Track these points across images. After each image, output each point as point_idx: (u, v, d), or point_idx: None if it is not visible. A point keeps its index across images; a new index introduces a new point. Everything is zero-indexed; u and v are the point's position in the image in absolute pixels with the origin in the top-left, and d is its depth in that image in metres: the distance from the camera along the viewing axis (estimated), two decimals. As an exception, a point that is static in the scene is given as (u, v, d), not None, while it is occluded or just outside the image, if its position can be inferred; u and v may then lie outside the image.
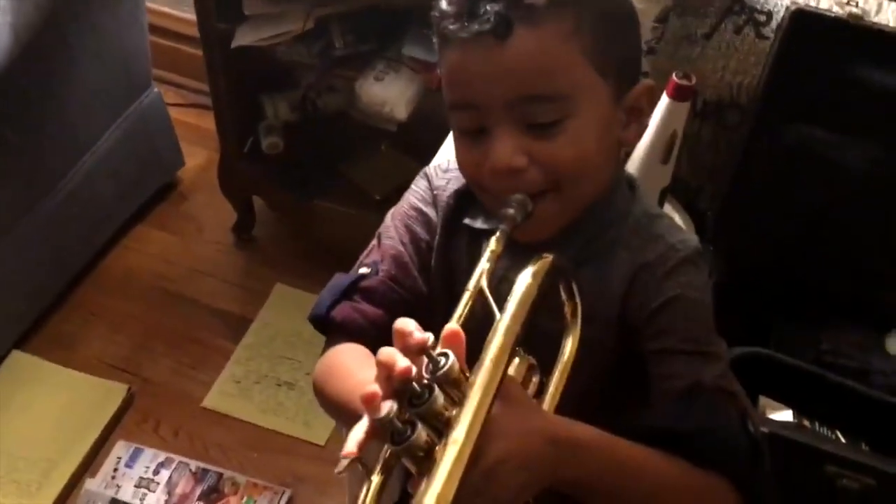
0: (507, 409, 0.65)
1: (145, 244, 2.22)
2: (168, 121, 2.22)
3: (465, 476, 0.59)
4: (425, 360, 0.65)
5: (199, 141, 2.34)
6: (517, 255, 0.79)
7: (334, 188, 1.95)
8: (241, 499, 1.73)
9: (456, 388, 0.64)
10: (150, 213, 2.27)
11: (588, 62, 0.77)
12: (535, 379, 0.77)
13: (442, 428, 0.62)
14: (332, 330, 0.91)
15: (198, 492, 1.75)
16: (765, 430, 1.08)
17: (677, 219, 1.40)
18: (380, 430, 0.63)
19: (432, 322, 0.91)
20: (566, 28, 0.76)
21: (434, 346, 0.65)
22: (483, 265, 0.75)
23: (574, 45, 0.76)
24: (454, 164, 0.93)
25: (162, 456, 1.80)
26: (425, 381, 0.64)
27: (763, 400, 1.21)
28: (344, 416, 0.82)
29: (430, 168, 0.98)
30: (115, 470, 1.77)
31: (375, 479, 0.64)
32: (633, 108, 0.84)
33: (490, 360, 0.65)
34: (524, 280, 0.72)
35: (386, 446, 0.63)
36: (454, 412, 0.63)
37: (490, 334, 0.67)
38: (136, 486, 1.75)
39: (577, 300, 0.80)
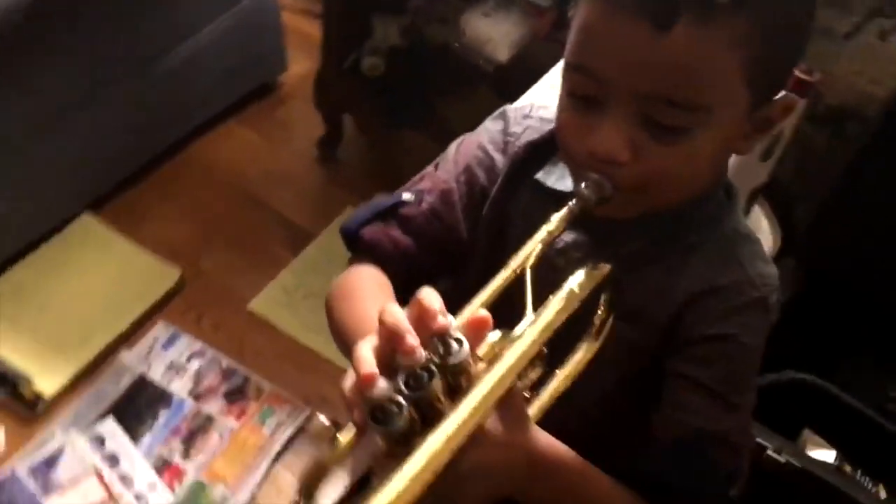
0: (499, 419, 0.60)
1: (233, 140, 2.22)
2: (278, 22, 2.20)
3: (436, 475, 0.54)
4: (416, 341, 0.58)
5: (305, 49, 2.31)
6: (585, 227, 0.72)
7: (425, 122, 1.90)
8: (262, 406, 1.73)
9: (458, 378, 0.58)
10: (245, 111, 2.27)
11: (743, 75, 0.67)
12: (538, 370, 0.70)
13: (430, 416, 0.57)
14: (358, 248, 0.87)
15: (223, 389, 1.75)
16: (798, 464, 0.98)
17: (763, 223, 1.30)
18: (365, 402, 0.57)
19: (463, 270, 0.86)
20: (736, 34, 0.64)
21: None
22: (533, 245, 0.68)
23: (736, 55, 0.65)
24: (536, 112, 0.87)
25: (197, 346, 1.81)
26: (430, 364, 0.57)
27: (807, 433, 1.11)
28: (342, 342, 0.78)
29: (511, 110, 0.89)
30: (151, 349, 1.80)
31: (341, 438, 0.59)
32: (764, 119, 0.73)
33: (505, 367, 0.59)
34: (570, 286, 0.66)
35: (368, 421, 0.57)
36: (447, 405, 0.57)
37: (515, 334, 0.62)
38: (166, 369, 1.77)
39: (611, 319, 0.73)
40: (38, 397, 1.68)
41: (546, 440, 0.66)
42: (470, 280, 0.64)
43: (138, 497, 1.58)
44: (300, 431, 1.70)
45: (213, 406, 1.72)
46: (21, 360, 1.73)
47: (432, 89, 1.91)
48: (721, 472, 0.75)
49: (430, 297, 0.60)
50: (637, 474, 0.72)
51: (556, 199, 0.79)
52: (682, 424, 0.74)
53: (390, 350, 0.59)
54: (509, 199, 0.85)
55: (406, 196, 0.86)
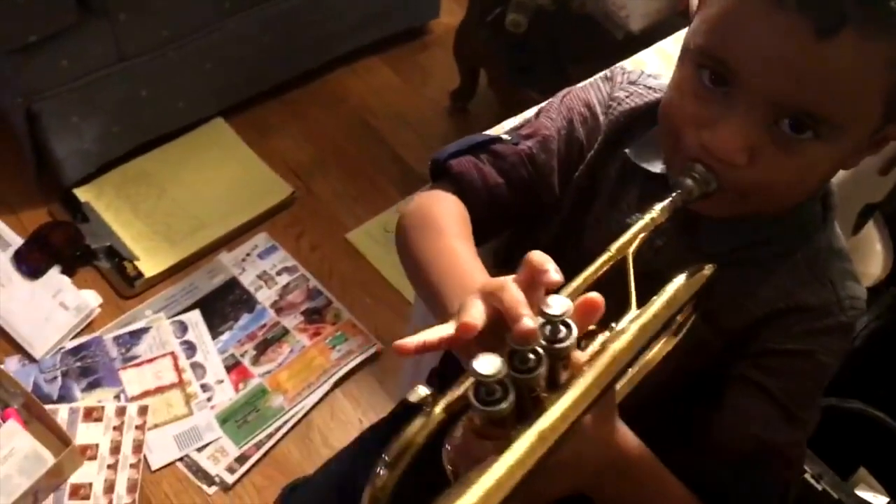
0: (593, 414, 0.57)
1: (371, 75, 2.26)
2: (437, -32, 2.21)
3: (534, 468, 0.51)
4: (541, 319, 0.54)
5: (460, 1, 2.32)
6: (674, 221, 0.68)
7: (555, 86, 1.86)
8: (336, 331, 1.77)
9: (559, 364, 0.55)
10: (389, 49, 2.30)
11: (885, 99, 0.62)
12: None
13: (528, 403, 0.54)
14: (443, 178, 0.83)
15: (304, 307, 1.80)
16: (835, 496, 0.91)
17: (877, 245, 1.20)
18: (476, 378, 0.52)
19: (544, 228, 0.84)
20: (893, 54, 0.60)
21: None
22: (635, 231, 0.64)
23: (887, 77, 0.61)
24: (644, 80, 0.83)
25: (291, 262, 1.87)
26: (537, 347, 0.54)
27: (862, 472, 1.02)
28: (419, 275, 0.75)
29: (619, 73, 0.85)
30: (248, 255, 1.87)
31: (437, 413, 0.54)
32: (882, 138, 0.68)
33: (611, 358, 0.56)
34: (675, 286, 0.63)
35: (469, 394, 0.53)
36: (549, 395, 0.54)
37: (620, 328, 0.59)
38: (257, 276, 1.84)
39: (696, 317, 0.69)
40: (138, 275, 1.79)
41: (631, 437, 0.64)
42: (541, 242, 0.61)
43: (204, 387, 1.66)
44: (366, 363, 1.73)
45: (291, 321, 1.78)
46: (131, 240, 1.84)
47: (568, 54, 1.86)
48: (776, 484, 0.72)
49: (542, 255, 0.57)
50: (694, 479, 0.69)
51: (644, 178, 0.77)
52: (741, 429, 0.71)
53: (491, 318, 0.55)
54: (601, 168, 0.81)
55: (503, 136, 0.84)
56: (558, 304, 0.53)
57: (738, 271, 0.72)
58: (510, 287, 0.55)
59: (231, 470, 1.57)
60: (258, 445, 1.60)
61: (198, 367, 1.69)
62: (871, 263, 1.18)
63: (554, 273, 0.55)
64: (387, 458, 0.52)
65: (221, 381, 1.68)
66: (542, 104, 0.86)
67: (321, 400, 1.68)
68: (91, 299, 1.74)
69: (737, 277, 0.72)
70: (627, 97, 0.81)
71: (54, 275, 1.76)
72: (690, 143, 0.67)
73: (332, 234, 1.94)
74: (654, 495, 0.67)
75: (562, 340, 0.53)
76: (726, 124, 0.63)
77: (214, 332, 1.74)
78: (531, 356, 0.53)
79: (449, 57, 2.17)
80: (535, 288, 0.56)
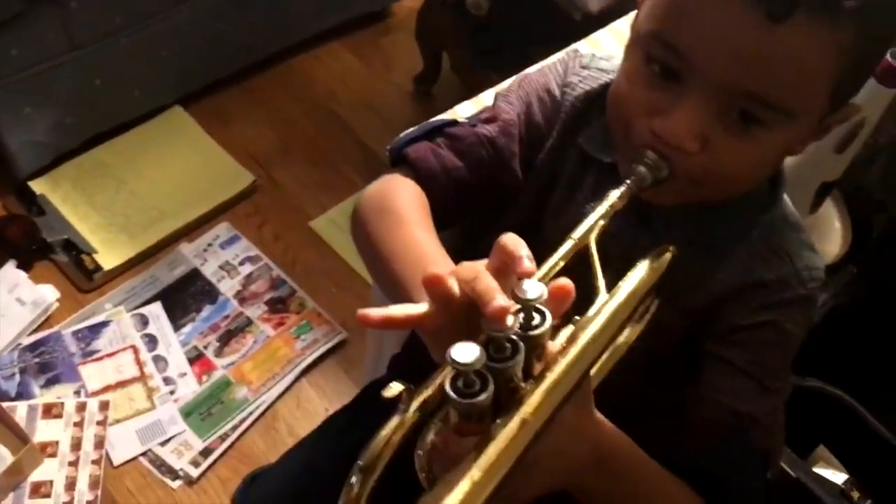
0: (571, 404, 0.55)
1: (333, 61, 2.23)
2: (398, -50, 2.18)
3: (516, 462, 0.49)
4: (515, 307, 0.52)
5: (422, -17, 2.29)
6: (626, 212, 0.67)
7: (518, 68, 1.84)
8: (301, 321, 1.75)
9: (534, 357, 0.53)
10: (351, 34, 2.27)
11: (831, 87, 0.63)
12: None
13: (505, 395, 0.52)
14: (401, 165, 0.81)
15: (267, 297, 1.78)
16: (793, 475, 0.91)
17: (835, 223, 1.20)
18: (454, 368, 0.50)
19: (510, 215, 0.82)
20: (844, 42, 0.60)
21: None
22: (595, 219, 0.63)
23: (836, 64, 0.61)
24: (596, 63, 0.81)
25: (253, 251, 1.84)
26: (512, 336, 0.52)
27: (821, 450, 1.02)
28: (381, 266, 0.73)
29: (571, 55, 0.83)
30: (209, 245, 1.84)
31: (413, 411, 0.52)
32: (826, 126, 0.69)
33: (586, 343, 0.55)
34: (642, 271, 0.64)
35: (447, 390, 0.50)
36: (525, 384, 0.52)
37: (592, 313, 0.58)
38: (219, 267, 1.81)
39: (656, 301, 0.69)
40: (96, 268, 1.75)
41: (610, 427, 0.63)
42: (507, 230, 0.59)
43: (166, 380, 1.63)
44: (332, 352, 1.71)
45: (255, 311, 1.75)
46: (89, 232, 1.81)
47: (529, 36, 1.84)
48: (756, 453, 0.72)
49: (515, 239, 0.55)
50: (675, 460, 0.68)
51: (599, 167, 0.77)
52: (714, 405, 0.72)
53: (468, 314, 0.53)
54: (560, 156, 0.80)
55: (461, 119, 0.82)
56: (533, 289, 0.52)
57: (695, 253, 0.72)
58: (482, 274, 0.53)
59: (195, 463, 1.54)
60: (223, 438, 1.58)
61: (160, 360, 1.66)
62: (830, 241, 1.18)
63: (527, 262, 0.54)
64: (361, 462, 0.50)
65: (184, 374, 1.65)
66: (499, 89, 0.85)
67: (286, 390, 1.66)
68: (48, 294, 1.71)
69: (694, 259, 0.72)
70: (580, 81, 0.80)
71: (10, 270, 1.72)
72: (641, 130, 0.66)
73: (295, 222, 1.91)
74: (637, 485, 0.66)
75: (536, 327, 0.52)
76: (678, 112, 0.63)
77: (176, 325, 1.72)
78: (507, 344, 0.51)
79: (411, 41, 2.14)
80: (507, 274, 0.54)
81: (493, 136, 0.79)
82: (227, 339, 1.71)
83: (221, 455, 1.56)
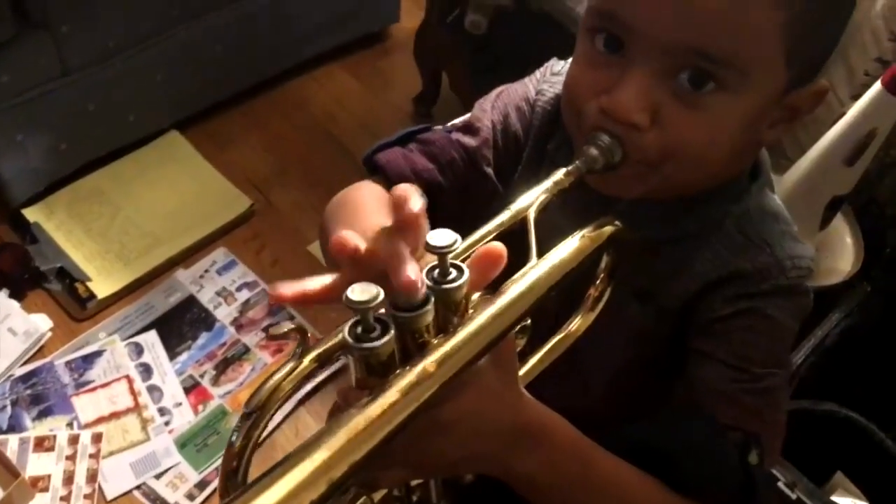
0: (492, 367, 0.53)
1: (331, 83, 2.21)
2: (395, -29, 2.17)
3: (415, 413, 0.47)
4: (432, 262, 0.50)
5: (421, 4, 2.27)
6: (595, 207, 0.64)
7: (517, 88, 1.81)
8: (299, 346, 1.70)
9: (451, 314, 0.51)
10: (349, 56, 2.25)
11: (782, 43, 0.60)
12: (521, 341, 0.64)
13: (413, 350, 0.50)
14: (375, 174, 0.80)
15: (265, 323, 1.74)
16: (810, 505, 0.86)
17: (847, 239, 1.15)
18: (348, 307, 0.48)
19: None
20: None
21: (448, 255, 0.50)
22: (538, 193, 0.61)
23: (779, 16, 0.59)
24: (567, 68, 0.78)
25: (251, 277, 1.80)
26: (424, 287, 0.50)
27: (839, 477, 0.97)
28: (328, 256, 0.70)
29: (546, 66, 0.83)
30: (206, 272, 1.81)
31: (305, 362, 0.52)
32: (792, 106, 0.66)
33: (507, 303, 0.52)
34: (578, 237, 0.60)
35: (342, 334, 0.49)
36: (436, 340, 0.50)
37: (518, 275, 0.55)
38: (215, 293, 1.77)
39: (609, 286, 0.66)
40: (90, 297, 1.72)
41: (538, 407, 0.58)
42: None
43: (161, 411, 1.59)
44: (332, 379, 1.67)
45: (252, 338, 1.71)
46: (83, 260, 1.77)
47: (530, 56, 1.82)
48: (722, 432, 0.65)
49: (404, 187, 0.51)
50: (635, 444, 0.64)
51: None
52: (694, 396, 0.67)
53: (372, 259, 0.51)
54: (536, 165, 0.78)
55: (436, 126, 0.81)
56: (442, 238, 0.49)
57: (669, 249, 0.70)
58: (389, 238, 0.50)
59: (191, 497, 1.50)
60: (219, 470, 1.53)
61: (154, 390, 1.62)
62: (842, 258, 1.14)
63: (415, 200, 0.50)
64: (246, 409, 0.48)
65: (179, 404, 1.61)
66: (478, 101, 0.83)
67: (285, 419, 1.61)
68: (41, 323, 1.67)
69: (669, 255, 0.70)
70: (551, 87, 0.79)
71: (2, 299, 1.68)
72: (590, 112, 0.64)
73: (293, 246, 1.87)
74: (581, 473, 0.60)
75: (451, 281, 0.49)
76: (624, 84, 0.61)
77: (172, 353, 1.68)
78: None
79: (410, 62, 2.12)
80: (412, 228, 0.50)
81: (465, 141, 0.78)
82: (223, 367, 1.67)
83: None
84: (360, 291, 0.47)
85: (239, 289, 1.79)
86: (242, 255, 1.84)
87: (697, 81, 0.60)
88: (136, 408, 1.59)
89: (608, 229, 0.62)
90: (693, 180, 0.67)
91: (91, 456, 1.51)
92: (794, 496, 0.87)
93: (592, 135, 0.63)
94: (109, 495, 1.49)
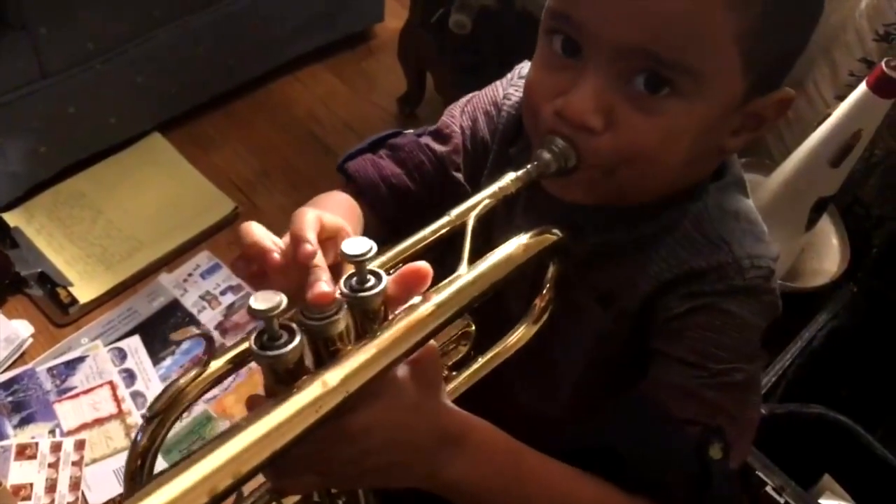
0: (408, 376, 0.53)
1: (315, 83, 2.19)
2: (379, -29, 2.15)
3: (316, 425, 0.47)
4: (351, 268, 0.51)
5: (405, 4, 2.26)
6: (551, 214, 0.65)
7: (501, 89, 1.80)
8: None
9: (369, 321, 0.51)
10: (333, 56, 2.24)
11: (737, 47, 0.59)
12: (464, 348, 0.65)
13: (325, 357, 0.50)
14: (347, 182, 0.80)
15: (249, 327, 1.72)
16: (797, 509, 0.86)
17: (833, 239, 1.15)
18: (251, 315, 0.49)
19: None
20: None
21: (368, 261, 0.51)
22: (480, 198, 0.61)
23: (734, 19, 0.58)
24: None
25: (235, 280, 1.79)
26: (338, 294, 0.50)
27: (826, 479, 0.97)
28: None
29: (515, 68, 0.83)
30: (190, 275, 1.79)
31: (211, 368, 0.52)
32: (755, 114, 0.65)
33: (423, 313, 0.52)
34: (513, 245, 0.60)
35: (250, 342, 0.50)
36: (348, 347, 0.50)
37: (443, 284, 0.55)
38: (199, 297, 1.76)
39: (551, 295, 0.66)
40: (72, 302, 1.70)
41: (460, 415, 0.58)
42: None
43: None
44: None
45: (237, 342, 1.70)
46: (65, 265, 1.75)
47: (514, 56, 1.81)
48: (681, 426, 0.63)
49: (301, 215, 0.54)
50: (582, 447, 0.63)
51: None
52: (651, 395, 0.65)
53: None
54: (501, 170, 0.76)
55: (407, 132, 0.81)
56: (356, 246, 0.50)
57: (629, 252, 0.69)
58: (302, 243, 0.53)
59: None
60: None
61: (138, 396, 1.60)
62: (828, 259, 1.14)
63: (308, 244, 0.53)
64: (148, 413, 0.49)
65: (164, 410, 1.59)
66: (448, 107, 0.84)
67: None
68: (22, 329, 1.65)
69: (629, 258, 0.69)
70: (517, 91, 0.79)
71: (-18, 305, 1.66)
72: (546, 115, 0.64)
73: (278, 249, 1.86)
74: (510, 476, 0.59)
75: (367, 290, 0.50)
76: (578, 87, 0.61)
77: (155, 358, 1.66)
78: (328, 306, 0.50)
79: (395, 62, 2.11)
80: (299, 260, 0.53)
81: (434, 146, 0.79)
82: (208, 371, 1.65)
83: (203, 494, 1.50)
84: (262, 300, 0.47)
85: (223, 292, 1.77)
86: (226, 259, 1.82)
87: (652, 85, 0.59)
88: (120, 414, 1.58)
89: (547, 238, 0.62)
90: (650, 186, 0.66)
91: (74, 463, 1.49)
92: (782, 500, 0.86)
93: (547, 138, 0.63)
94: (93, 503, 1.47)
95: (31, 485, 1.46)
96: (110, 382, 1.61)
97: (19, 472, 1.48)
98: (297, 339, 0.48)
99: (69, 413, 1.57)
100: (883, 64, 0.96)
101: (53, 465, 1.49)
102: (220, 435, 0.46)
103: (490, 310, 0.61)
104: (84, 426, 1.55)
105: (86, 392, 1.59)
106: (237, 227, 1.87)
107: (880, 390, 1.07)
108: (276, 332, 0.48)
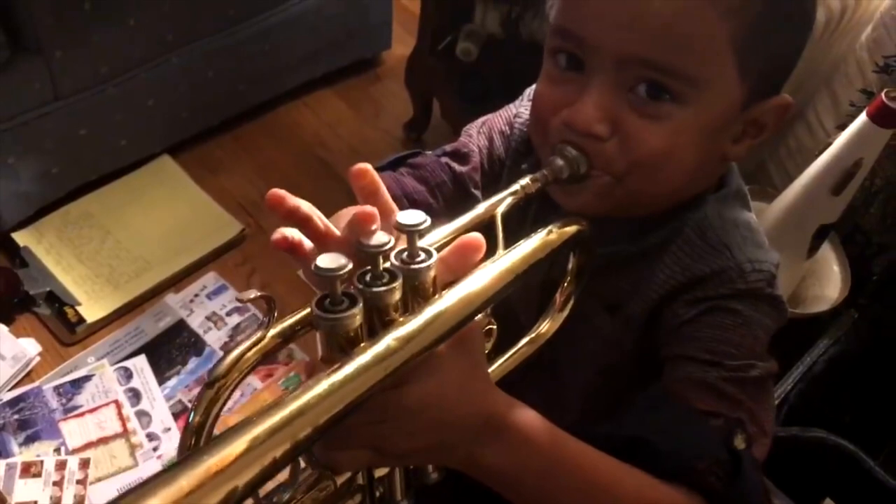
0: (457, 354, 0.53)
1: (322, 108, 2.22)
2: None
3: (372, 391, 0.47)
4: (405, 241, 0.52)
5: (412, 31, 2.29)
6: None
7: (507, 116, 1.83)
8: (289, 372, 1.70)
9: (418, 296, 0.53)
10: (340, 82, 2.27)
11: (733, 54, 0.62)
12: (488, 345, 0.65)
13: (378, 328, 0.50)
14: None
15: (255, 347, 1.73)
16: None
17: (834, 266, 1.16)
18: (315, 279, 0.50)
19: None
20: (729, 2, 0.61)
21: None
22: (504, 195, 0.63)
23: (727, 27, 0.61)
24: None
25: (241, 302, 1.80)
26: (391, 265, 0.52)
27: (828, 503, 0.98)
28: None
29: (528, 90, 0.86)
30: (196, 296, 1.80)
31: (271, 333, 0.52)
32: (755, 121, 0.68)
33: (471, 291, 0.53)
34: (545, 232, 0.62)
35: (312, 306, 0.50)
36: (401, 318, 0.51)
37: (484, 264, 0.56)
38: (206, 318, 1.77)
39: (575, 288, 0.68)
40: (80, 321, 1.71)
41: (503, 398, 0.58)
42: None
43: (150, 437, 1.58)
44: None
45: (242, 363, 1.71)
46: (73, 284, 1.77)
47: (519, 83, 1.84)
48: (705, 417, 0.63)
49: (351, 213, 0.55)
50: (617, 438, 0.62)
51: (540, 197, 0.73)
52: (674, 397, 0.66)
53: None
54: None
55: (426, 152, 0.83)
56: (411, 217, 0.51)
57: (636, 262, 0.71)
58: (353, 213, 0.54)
59: (179, 523, 1.49)
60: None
61: (143, 416, 1.61)
62: (829, 285, 1.15)
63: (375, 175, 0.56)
64: (209, 377, 0.49)
65: (168, 430, 1.60)
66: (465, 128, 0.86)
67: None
68: (30, 348, 1.66)
69: (633, 267, 0.71)
70: (527, 110, 0.81)
71: (-10, 323, 1.68)
72: (555, 127, 0.67)
73: (283, 271, 1.87)
74: (550, 463, 0.58)
75: (419, 262, 0.51)
76: (584, 98, 0.64)
77: (161, 378, 1.67)
78: (385, 273, 0.50)
79: (402, 88, 2.14)
80: (372, 195, 0.56)
81: (453, 165, 0.81)
82: (213, 392, 1.66)
83: (206, 514, 1.50)
84: (329, 259, 0.48)
85: (229, 313, 1.78)
86: (233, 280, 1.84)
87: (654, 93, 0.62)
88: (125, 433, 1.58)
89: (574, 227, 0.64)
90: (658, 193, 0.68)
91: (79, 482, 1.50)
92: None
93: (558, 146, 0.66)
94: (96, 522, 1.47)
95: (36, 502, 1.47)
96: (116, 401, 1.62)
97: (24, 490, 1.48)
98: (359, 305, 0.48)
99: (74, 431, 1.57)
100: (883, 95, 0.98)
101: (58, 484, 1.50)
102: (294, 391, 0.46)
103: (500, 318, 0.63)
104: (89, 445, 1.56)
105: (91, 411, 1.60)
106: (244, 248, 1.86)
107: (881, 415, 1.08)
108: (338, 298, 0.48)
